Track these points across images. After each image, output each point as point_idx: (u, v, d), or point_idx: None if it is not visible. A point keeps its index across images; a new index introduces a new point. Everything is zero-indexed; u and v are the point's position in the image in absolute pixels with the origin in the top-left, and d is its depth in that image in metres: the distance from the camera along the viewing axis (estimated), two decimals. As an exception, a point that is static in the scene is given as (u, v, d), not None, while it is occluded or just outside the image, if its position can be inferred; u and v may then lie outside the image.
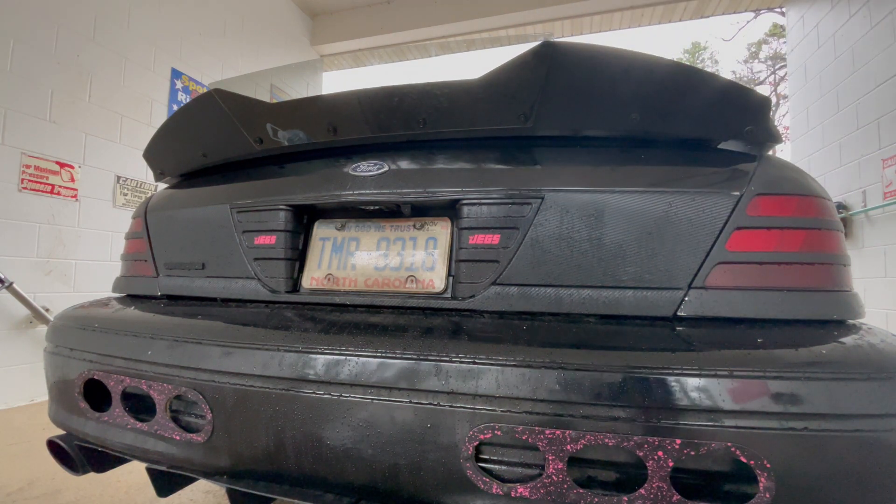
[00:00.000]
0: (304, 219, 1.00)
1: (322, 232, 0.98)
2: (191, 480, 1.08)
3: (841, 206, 3.54)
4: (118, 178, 3.19)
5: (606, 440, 0.58)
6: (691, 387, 0.58)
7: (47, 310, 2.70)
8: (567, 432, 0.60)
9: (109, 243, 3.11)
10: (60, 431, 0.99)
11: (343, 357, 0.71)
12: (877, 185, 3.25)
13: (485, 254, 0.82)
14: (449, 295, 0.85)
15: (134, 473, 1.66)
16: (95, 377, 0.89)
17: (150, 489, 1.07)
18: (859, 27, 3.49)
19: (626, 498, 0.59)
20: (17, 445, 1.98)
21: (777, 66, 13.29)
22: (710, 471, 0.61)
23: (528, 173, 0.85)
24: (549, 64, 0.79)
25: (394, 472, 0.68)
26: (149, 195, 2.16)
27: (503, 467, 0.66)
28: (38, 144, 2.71)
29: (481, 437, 0.63)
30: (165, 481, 1.04)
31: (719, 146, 0.85)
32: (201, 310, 0.94)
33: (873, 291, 3.27)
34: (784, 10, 4.80)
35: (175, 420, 0.83)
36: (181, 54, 3.74)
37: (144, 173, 3.34)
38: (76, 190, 2.92)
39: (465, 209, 0.84)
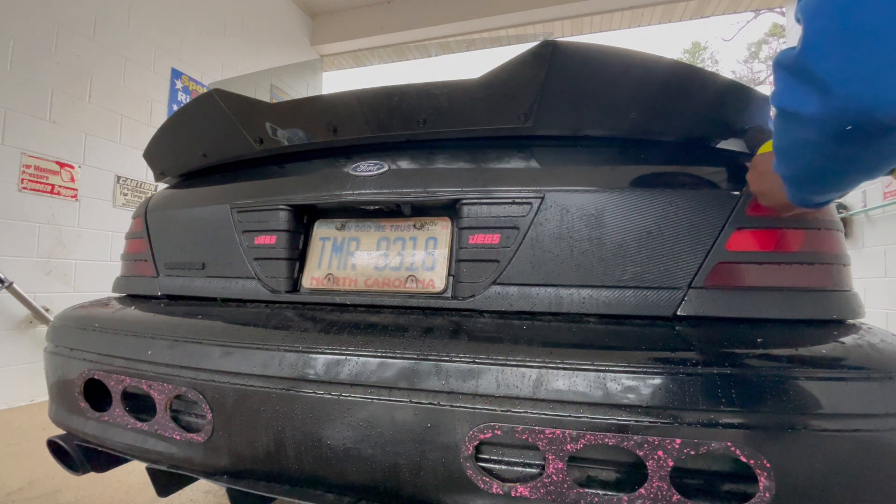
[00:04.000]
0: (304, 219, 1.00)
1: (322, 232, 0.98)
2: (191, 480, 1.08)
3: (841, 206, 3.54)
4: (118, 178, 3.19)
5: (606, 440, 0.58)
6: (691, 386, 0.58)
7: (47, 310, 2.70)
8: (567, 432, 0.60)
9: (109, 243, 3.11)
10: (60, 431, 0.99)
11: (343, 357, 0.71)
12: (877, 184, 3.24)
13: (485, 253, 0.82)
14: (449, 295, 0.85)
15: (134, 473, 1.66)
16: (95, 377, 0.89)
17: (150, 489, 1.07)
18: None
19: (625, 497, 0.59)
20: (16, 445, 1.99)
21: (777, 66, 13.23)
22: (710, 471, 0.61)
23: (528, 173, 0.85)
24: (548, 63, 0.79)
25: (394, 472, 0.68)
26: (149, 195, 2.16)
27: (503, 467, 0.66)
28: (38, 144, 2.71)
29: (481, 436, 0.63)
30: (166, 481, 1.04)
31: (719, 146, 0.85)
32: (201, 310, 0.94)
33: (873, 291, 3.27)
34: (784, 10, 4.81)
35: (175, 420, 0.83)
36: (181, 54, 3.74)
37: (144, 173, 3.34)
38: (76, 190, 2.92)
39: (466, 209, 0.84)
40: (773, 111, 0.56)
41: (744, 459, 0.55)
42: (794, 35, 4.42)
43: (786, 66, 0.50)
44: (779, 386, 0.57)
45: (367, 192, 0.89)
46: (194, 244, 1.06)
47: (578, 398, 0.60)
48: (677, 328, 0.70)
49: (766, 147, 0.70)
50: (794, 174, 0.60)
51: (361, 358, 0.70)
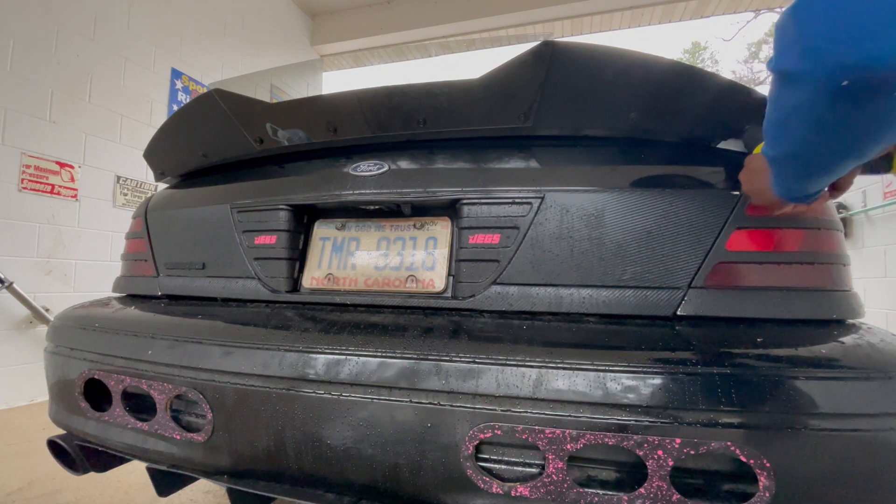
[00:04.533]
0: (305, 218, 1.00)
1: (322, 232, 0.98)
2: (191, 480, 1.08)
3: (841, 206, 3.54)
4: (118, 178, 3.19)
5: (606, 440, 0.58)
6: (691, 386, 0.58)
7: (47, 310, 2.69)
8: (567, 432, 0.60)
9: (109, 243, 3.11)
10: (60, 431, 0.99)
11: (343, 357, 0.71)
12: (877, 184, 3.25)
13: (485, 253, 0.82)
14: (449, 294, 0.85)
15: (134, 473, 1.66)
16: (96, 377, 0.89)
17: (150, 489, 1.07)
18: (859, 27, 3.48)
19: (625, 497, 0.59)
20: (17, 445, 1.99)
21: (777, 66, 13.23)
22: (710, 470, 0.61)
23: (527, 173, 0.85)
24: (548, 63, 0.79)
25: (394, 472, 0.68)
26: (149, 195, 2.16)
27: (503, 466, 0.66)
28: (38, 144, 2.71)
29: (481, 436, 0.63)
30: (166, 481, 1.04)
31: (719, 146, 0.85)
32: (202, 309, 0.94)
33: (873, 291, 3.27)
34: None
35: (175, 419, 0.83)
36: (181, 54, 3.74)
37: (144, 173, 3.34)
38: (76, 190, 2.92)
39: (465, 209, 0.84)
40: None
41: (743, 459, 0.56)
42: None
43: (781, 27, 0.52)
44: (778, 386, 0.57)
45: (367, 192, 0.89)
46: (194, 244, 1.06)
47: (578, 398, 0.60)
48: (677, 328, 0.70)
49: (761, 147, 0.70)
50: (782, 152, 0.60)
51: (361, 358, 0.70)
